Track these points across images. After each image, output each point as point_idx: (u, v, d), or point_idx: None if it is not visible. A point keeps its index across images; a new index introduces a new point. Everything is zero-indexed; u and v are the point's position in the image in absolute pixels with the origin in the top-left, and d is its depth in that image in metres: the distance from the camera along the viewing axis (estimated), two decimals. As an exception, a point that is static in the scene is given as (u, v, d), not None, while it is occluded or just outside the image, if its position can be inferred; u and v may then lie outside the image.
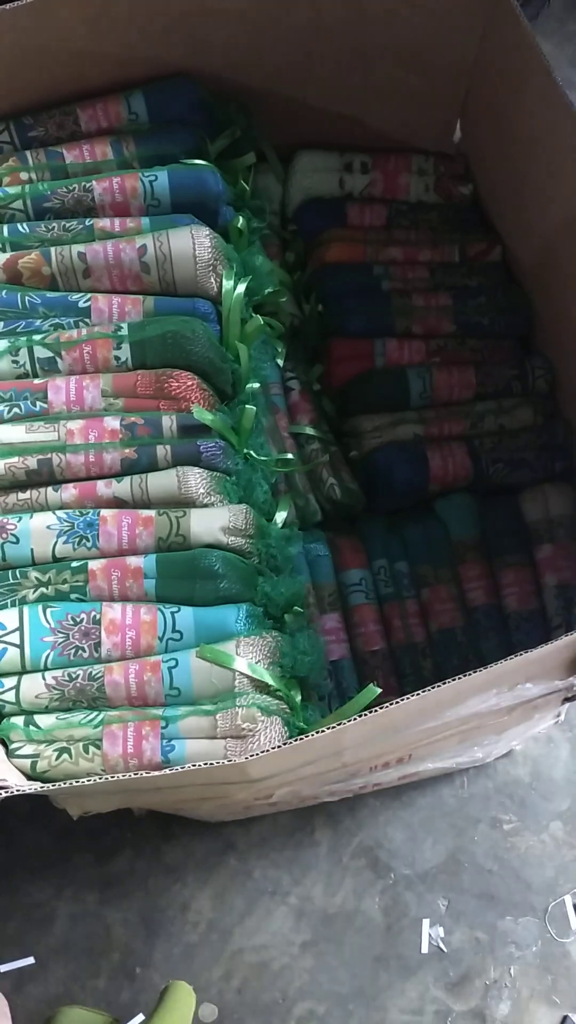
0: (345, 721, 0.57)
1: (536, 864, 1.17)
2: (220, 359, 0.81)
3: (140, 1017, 1.09)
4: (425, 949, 1.14)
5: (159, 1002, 0.91)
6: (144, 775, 0.57)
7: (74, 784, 0.57)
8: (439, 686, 0.59)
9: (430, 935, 1.15)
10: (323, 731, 0.57)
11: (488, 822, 1.19)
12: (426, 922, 1.15)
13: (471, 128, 1.02)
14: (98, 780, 0.56)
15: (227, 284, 0.81)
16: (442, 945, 1.14)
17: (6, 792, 0.55)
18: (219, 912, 1.14)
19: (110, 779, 0.57)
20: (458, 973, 1.13)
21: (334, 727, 0.57)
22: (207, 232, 0.81)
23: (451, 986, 1.13)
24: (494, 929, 1.15)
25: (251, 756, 0.57)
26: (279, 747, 0.57)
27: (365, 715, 0.58)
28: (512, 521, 0.96)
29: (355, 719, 0.57)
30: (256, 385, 0.85)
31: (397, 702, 0.58)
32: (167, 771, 0.57)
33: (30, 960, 1.10)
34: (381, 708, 0.58)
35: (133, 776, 0.57)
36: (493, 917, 1.15)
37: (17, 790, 0.56)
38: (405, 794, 1.19)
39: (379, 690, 0.71)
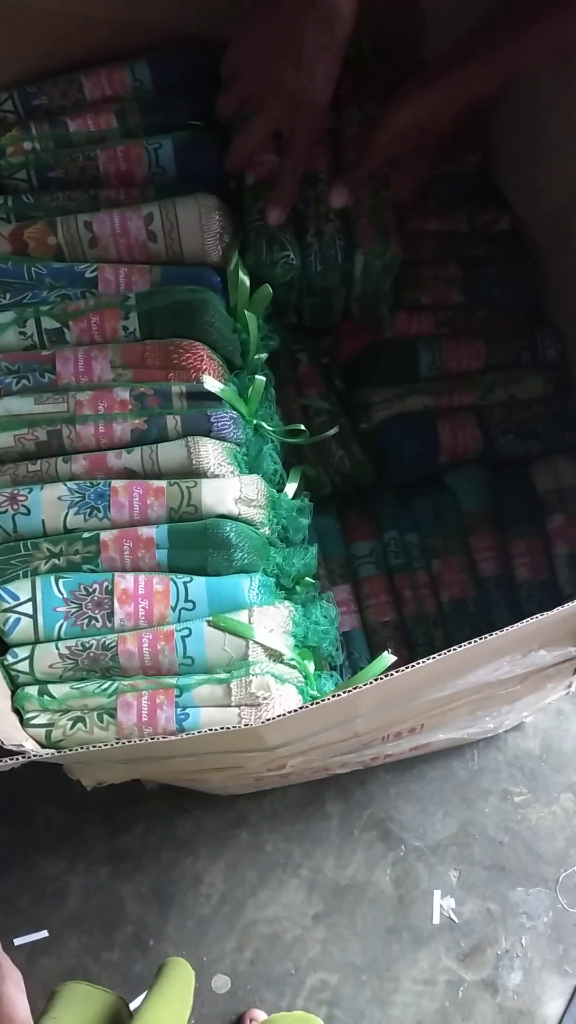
0: (361, 685, 0.57)
1: (547, 835, 1.18)
2: (229, 329, 0.80)
3: (152, 990, 1.10)
4: (436, 920, 1.15)
5: (157, 978, 0.91)
6: (160, 739, 0.57)
7: (91, 749, 0.57)
8: (455, 649, 0.58)
9: (441, 906, 1.15)
10: (339, 694, 0.57)
11: (499, 794, 1.19)
12: (437, 893, 1.16)
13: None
14: (115, 745, 0.56)
15: (235, 253, 0.80)
16: (453, 916, 1.15)
17: (24, 757, 0.56)
18: (231, 885, 1.15)
19: (126, 744, 0.57)
20: (469, 944, 1.14)
21: (351, 691, 0.57)
22: (214, 200, 0.80)
23: (463, 956, 1.14)
24: (505, 900, 1.16)
25: (267, 720, 0.57)
26: (295, 711, 0.57)
27: (381, 678, 0.57)
28: (523, 491, 0.95)
29: (371, 683, 0.57)
30: (264, 356, 0.85)
31: (413, 666, 0.58)
32: (183, 735, 0.57)
33: (44, 933, 1.12)
34: (398, 671, 0.58)
35: (149, 741, 0.57)
36: (504, 888, 1.16)
37: (35, 755, 0.56)
38: (416, 767, 1.20)
39: (394, 658, 0.71)
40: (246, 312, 0.81)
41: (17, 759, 0.55)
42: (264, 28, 0.76)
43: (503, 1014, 1.12)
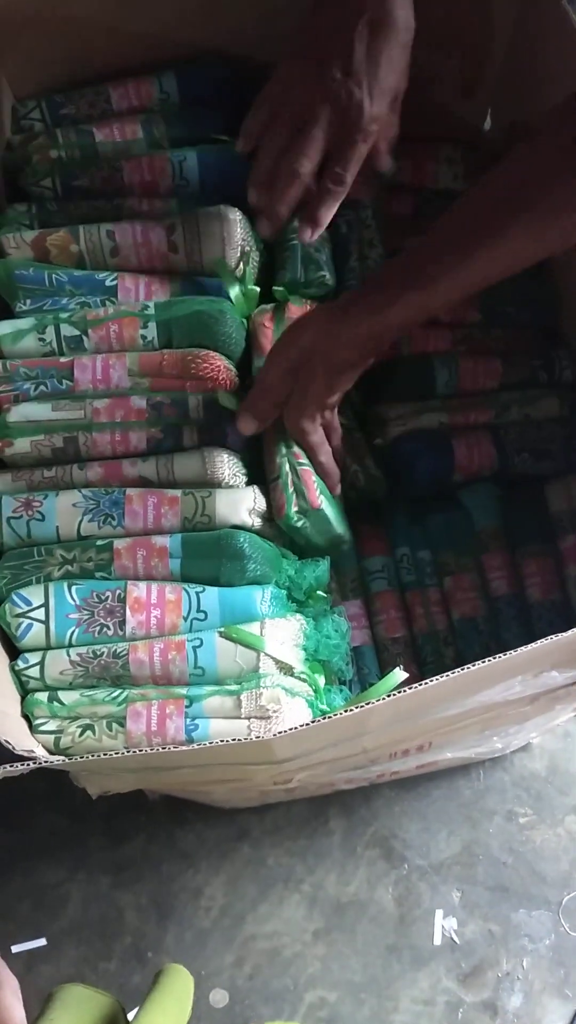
0: (373, 701, 0.57)
1: (551, 858, 1.17)
2: (245, 340, 0.81)
3: (150, 1001, 1.09)
4: (438, 940, 1.14)
5: (154, 985, 0.90)
6: (170, 750, 0.57)
7: (99, 757, 0.57)
8: (468, 668, 0.58)
9: (443, 926, 1.14)
10: (351, 710, 0.57)
11: (504, 815, 1.19)
12: (439, 913, 1.15)
13: (503, 115, 1.01)
14: (124, 754, 0.56)
15: (253, 265, 0.81)
16: (455, 936, 1.14)
17: (34, 763, 0.55)
18: (231, 898, 1.14)
19: (136, 753, 0.56)
20: (470, 965, 1.13)
21: (362, 706, 0.57)
22: (236, 213, 0.81)
23: (463, 977, 1.12)
24: (507, 921, 1.14)
25: (278, 733, 0.57)
26: (306, 725, 0.57)
27: (393, 695, 0.57)
28: (536, 511, 0.95)
29: (383, 699, 0.57)
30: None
31: (426, 683, 0.58)
32: (193, 746, 0.57)
33: (42, 941, 1.11)
34: (410, 689, 0.58)
35: (159, 751, 0.57)
36: (507, 909, 1.15)
37: (44, 761, 0.56)
38: (421, 785, 1.19)
39: (405, 675, 0.71)
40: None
41: (27, 764, 0.55)
42: (314, 34, 0.72)
43: (502, 1038, 1.11)
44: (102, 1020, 0.78)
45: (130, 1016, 1.07)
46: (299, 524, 0.77)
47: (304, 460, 0.79)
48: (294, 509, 0.77)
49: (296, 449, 0.79)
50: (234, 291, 0.80)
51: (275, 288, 0.83)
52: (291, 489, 0.77)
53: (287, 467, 0.78)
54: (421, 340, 0.98)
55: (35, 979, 1.09)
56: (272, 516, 0.79)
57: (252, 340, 0.83)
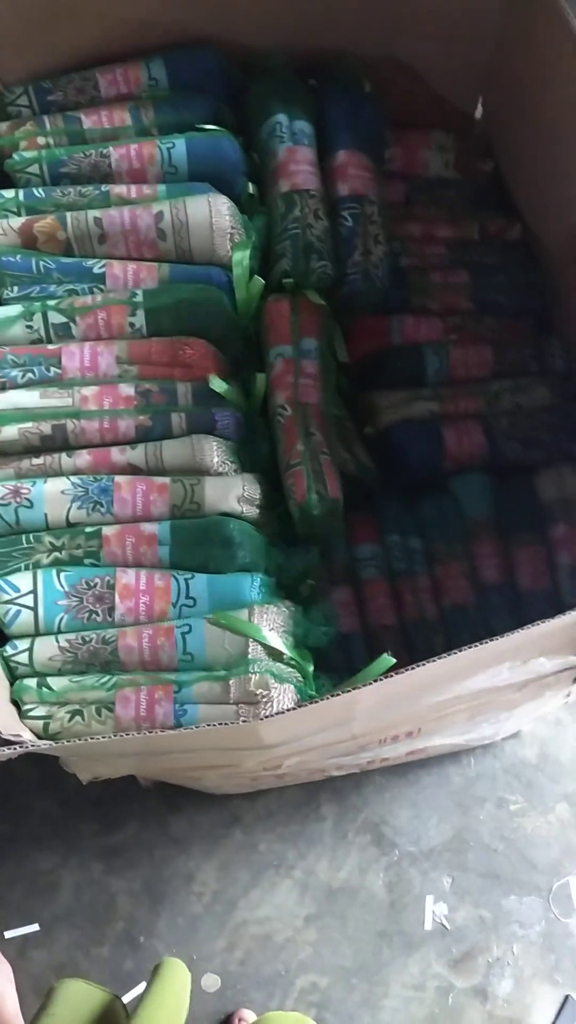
0: (361, 685, 0.57)
1: (542, 844, 1.18)
2: (234, 327, 0.81)
3: (142, 986, 1.10)
4: (428, 926, 1.14)
5: (152, 978, 0.91)
6: (158, 733, 0.57)
7: (88, 741, 0.57)
8: (456, 653, 0.59)
9: (433, 912, 1.15)
10: (337, 694, 0.57)
11: (494, 802, 1.19)
12: (430, 899, 1.15)
13: (493, 103, 1.01)
14: (112, 738, 0.57)
15: (240, 253, 0.81)
16: (445, 922, 1.15)
17: (22, 748, 0.56)
18: (223, 884, 1.14)
19: (124, 737, 0.57)
20: (461, 950, 1.14)
21: (349, 690, 0.57)
22: (224, 200, 0.80)
23: (453, 963, 1.13)
24: (498, 908, 1.15)
25: (265, 717, 0.57)
26: (293, 709, 0.57)
27: (381, 680, 0.58)
28: (526, 500, 0.95)
29: (371, 683, 0.57)
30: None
31: (414, 667, 0.58)
32: (181, 730, 0.57)
33: (35, 927, 1.12)
34: (398, 673, 0.58)
35: (147, 735, 0.57)
36: (497, 896, 1.16)
37: (32, 746, 0.56)
38: (411, 772, 1.19)
39: (393, 660, 0.71)
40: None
41: (15, 748, 0.56)
42: None
43: (492, 1022, 1.11)
44: (101, 1015, 0.78)
45: (125, 999, 1.08)
46: (316, 511, 0.78)
47: (327, 449, 0.79)
48: (314, 496, 0.77)
49: (319, 437, 0.79)
50: (240, 286, 0.80)
51: (285, 280, 0.83)
52: (312, 476, 0.78)
53: (308, 454, 0.78)
54: (412, 329, 0.98)
55: (28, 964, 1.10)
56: (288, 502, 0.79)
57: (267, 328, 0.83)
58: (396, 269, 0.95)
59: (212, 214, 0.79)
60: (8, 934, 1.11)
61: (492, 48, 0.94)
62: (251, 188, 0.85)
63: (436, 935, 1.14)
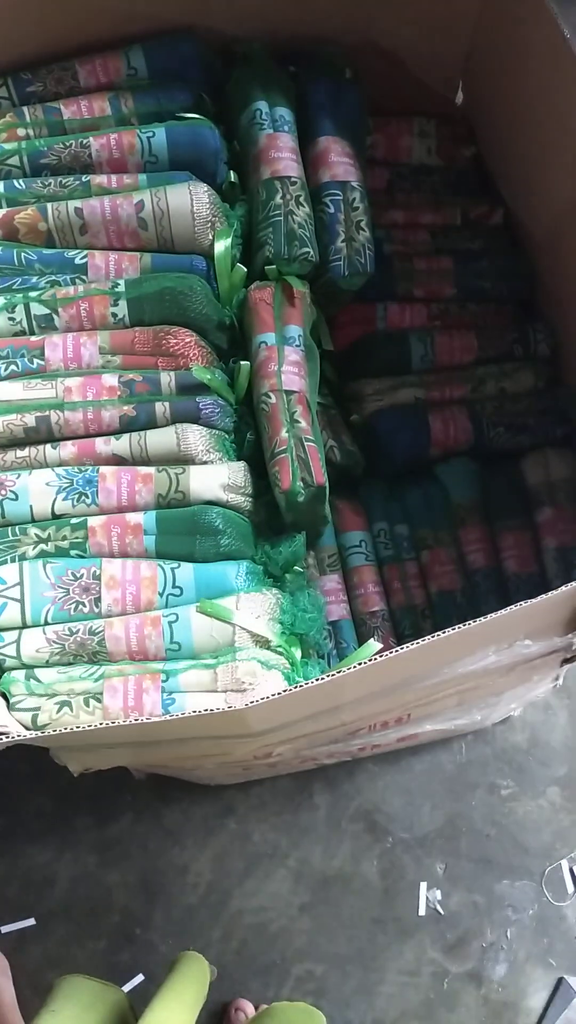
0: (346, 669, 0.58)
1: (533, 829, 1.19)
2: (217, 315, 0.81)
3: (139, 978, 1.10)
4: (422, 912, 1.15)
5: (171, 972, 0.91)
6: (145, 721, 0.57)
7: (75, 730, 0.57)
8: (440, 635, 0.59)
9: (427, 898, 1.16)
10: (323, 678, 0.57)
11: (486, 787, 1.20)
12: (423, 885, 1.16)
13: (474, 88, 1.01)
14: (100, 726, 0.57)
15: (222, 242, 0.81)
16: (439, 908, 1.15)
17: (8, 739, 0.56)
18: (218, 874, 1.15)
19: (112, 726, 0.57)
20: (455, 936, 1.14)
21: (335, 674, 0.57)
22: (205, 189, 0.80)
23: (448, 948, 1.14)
24: (491, 893, 1.16)
25: (251, 703, 0.57)
26: (279, 694, 0.57)
27: (366, 663, 0.58)
28: (512, 485, 0.96)
29: (356, 667, 0.57)
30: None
31: (398, 650, 0.58)
32: (168, 717, 0.57)
33: (31, 921, 1.12)
34: (382, 656, 0.58)
35: (135, 722, 0.57)
36: (490, 881, 1.16)
37: (19, 737, 0.56)
38: (403, 759, 1.20)
39: (379, 645, 0.71)
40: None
41: (2, 739, 0.56)
42: None
43: (487, 1006, 1.12)
44: (106, 1010, 0.78)
45: (125, 988, 1.08)
46: (301, 498, 0.78)
47: (311, 436, 0.79)
48: (299, 483, 0.77)
49: (303, 424, 0.79)
50: (222, 274, 0.80)
51: (267, 267, 0.83)
52: (297, 463, 0.78)
53: (293, 441, 0.78)
54: (397, 316, 0.98)
55: (24, 959, 1.10)
56: (273, 490, 0.79)
57: (250, 316, 0.83)
58: (380, 256, 0.95)
59: (193, 203, 0.78)
60: (4, 929, 1.11)
61: (472, 33, 0.94)
62: (232, 176, 0.84)
63: (430, 921, 1.15)
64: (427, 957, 1.14)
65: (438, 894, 1.16)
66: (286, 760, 0.94)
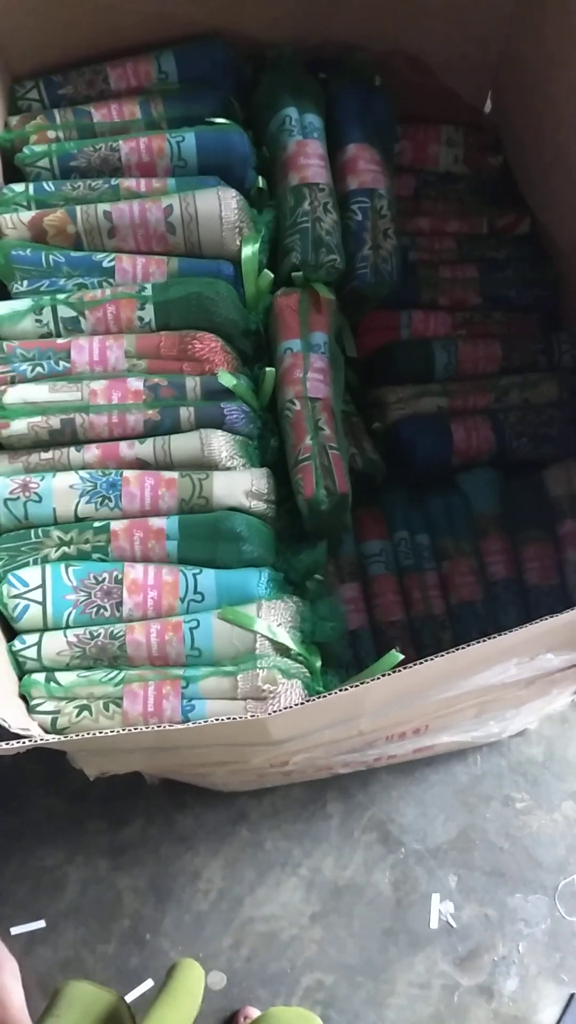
0: (368, 680, 0.57)
1: (547, 843, 1.17)
2: (243, 321, 0.81)
3: (148, 983, 1.10)
4: (434, 924, 1.14)
5: (167, 979, 0.91)
6: (165, 728, 0.57)
7: (96, 735, 0.57)
8: (464, 648, 0.58)
9: (439, 910, 1.15)
10: (346, 689, 0.57)
11: (500, 800, 1.19)
12: (436, 897, 1.15)
13: (503, 96, 1.00)
14: (120, 732, 0.56)
15: (249, 248, 0.81)
16: (451, 920, 1.14)
17: (30, 742, 0.55)
18: (229, 882, 1.14)
19: (133, 731, 0.57)
20: (466, 948, 1.13)
21: (357, 685, 0.57)
22: (233, 194, 0.80)
23: (459, 961, 1.13)
24: (504, 906, 1.15)
25: (273, 712, 0.57)
26: (302, 704, 0.57)
27: (389, 675, 0.57)
28: (535, 496, 0.95)
29: (379, 678, 0.57)
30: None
31: (421, 663, 0.58)
32: (189, 724, 0.57)
33: (41, 923, 1.11)
34: (406, 668, 0.57)
35: (155, 729, 0.57)
36: (503, 894, 1.15)
37: (41, 740, 0.56)
38: (418, 770, 1.19)
39: (401, 656, 0.71)
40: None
41: (23, 743, 0.55)
42: None
43: (498, 1020, 1.11)
44: (107, 1015, 0.78)
45: (130, 998, 1.08)
46: (324, 506, 0.77)
47: (335, 444, 0.79)
48: (322, 491, 0.77)
49: (327, 432, 0.79)
50: (249, 280, 0.80)
51: (294, 274, 0.83)
52: (320, 471, 0.77)
53: (317, 449, 0.78)
54: (421, 324, 0.98)
55: (34, 961, 1.10)
56: (296, 497, 0.79)
57: (276, 322, 0.83)
58: (405, 264, 0.95)
59: (221, 208, 0.78)
60: (14, 930, 1.11)
61: (501, 41, 0.94)
62: (260, 182, 0.84)
63: (442, 933, 1.14)
64: (438, 969, 1.13)
65: (450, 906, 1.15)
66: (301, 769, 0.94)
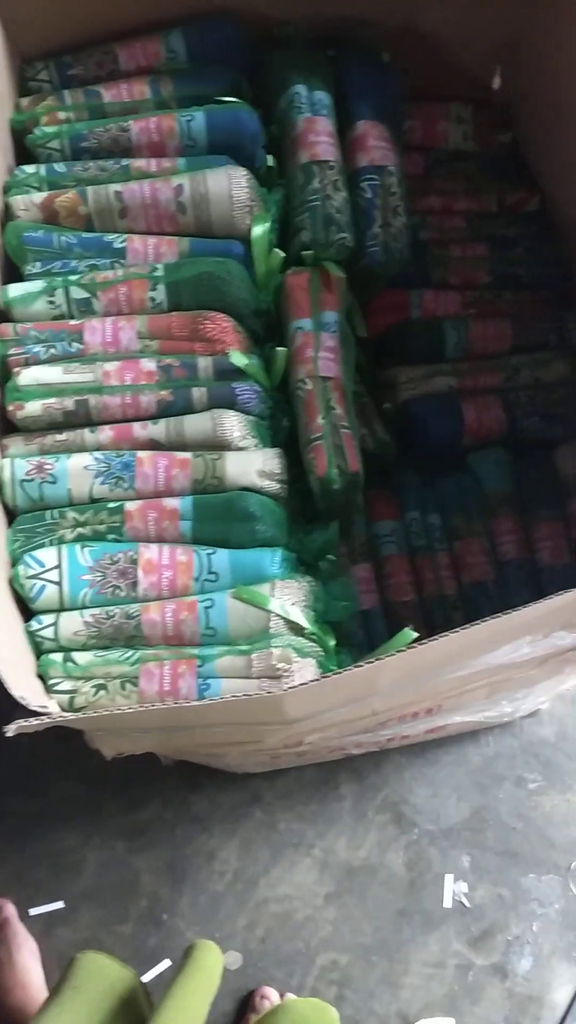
0: (383, 656, 0.57)
1: (560, 823, 1.18)
2: (254, 301, 0.80)
3: (165, 963, 1.11)
4: (448, 904, 1.15)
5: (185, 960, 0.92)
6: (181, 705, 0.57)
7: (113, 713, 0.57)
8: (477, 624, 0.58)
9: (453, 890, 1.15)
10: (361, 666, 0.57)
11: (513, 780, 1.19)
12: (449, 877, 1.16)
13: (512, 73, 1.00)
14: (137, 709, 0.57)
15: (259, 227, 0.80)
16: (465, 900, 1.15)
17: (49, 719, 0.56)
18: (244, 862, 1.15)
19: (149, 708, 0.57)
20: (480, 928, 1.14)
21: (372, 662, 0.57)
22: (244, 173, 0.80)
23: (473, 941, 1.14)
24: (517, 886, 1.15)
25: (288, 688, 0.57)
26: (316, 680, 0.57)
27: (403, 651, 0.57)
28: (546, 475, 0.95)
29: (393, 654, 0.57)
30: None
31: (437, 639, 0.58)
32: (204, 701, 0.57)
33: (60, 904, 1.12)
34: (420, 644, 0.58)
35: (171, 706, 0.57)
36: (516, 874, 1.16)
37: (59, 717, 0.57)
38: (430, 751, 1.19)
39: (415, 634, 0.71)
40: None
41: (42, 720, 0.56)
42: None
43: (512, 999, 1.11)
44: (126, 992, 0.79)
45: (145, 980, 1.09)
46: (336, 486, 0.77)
47: (347, 423, 0.79)
48: (334, 470, 0.77)
49: (339, 411, 0.79)
50: (259, 259, 0.80)
51: (304, 253, 0.82)
52: (332, 450, 0.78)
53: (329, 428, 0.78)
54: (431, 303, 0.97)
55: (53, 941, 1.11)
56: (308, 476, 0.79)
57: (287, 302, 0.83)
58: (415, 242, 0.95)
59: (232, 187, 0.78)
60: (33, 911, 1.12)
61: (510, 17, 0.93)
62: (270, 160, 0.84)
63: (455, 913, 1.15)
64: (452, 949, 1.13)
65: (464, 886, 1.16)
66: (315, 749, 0.94)
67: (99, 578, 0.72)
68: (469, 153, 1.01)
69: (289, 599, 0.73)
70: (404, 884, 1.16)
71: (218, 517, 0.74)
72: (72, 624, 0.71)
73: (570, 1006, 1.12)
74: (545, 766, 1.20)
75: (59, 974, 0.80)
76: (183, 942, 1.11)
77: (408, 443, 0.95)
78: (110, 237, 0.79)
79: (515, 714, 1.11)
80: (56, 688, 0.69)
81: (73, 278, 0.78)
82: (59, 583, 0.71)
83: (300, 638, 0.73)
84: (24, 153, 0.83)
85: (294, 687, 0.58)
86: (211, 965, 0.94)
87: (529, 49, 0.93)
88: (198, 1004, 0.83)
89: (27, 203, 0.79)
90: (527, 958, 1.14)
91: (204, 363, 0.77)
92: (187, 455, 0.75)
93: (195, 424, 0.76)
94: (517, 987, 1.12)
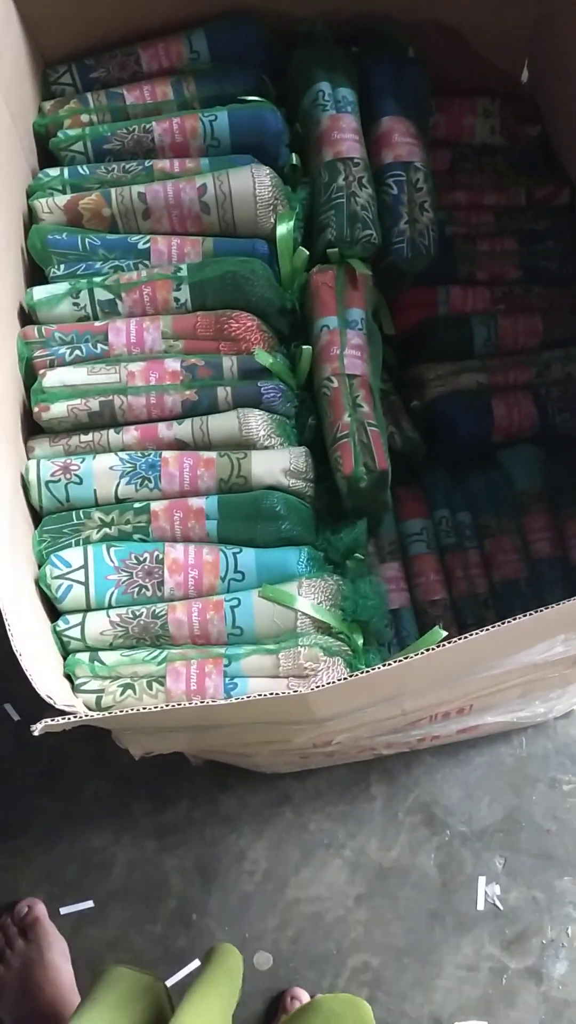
0: (412, 655, 0.56)
1: (596, 825, 1.16)
2: (279, 299, 0.80)
3: (195, 963, 1.11)
4: (481, 906, 1.13)
5: (206, 963, 0.92)
6: (210, 704, 0.57)
7: (140, 712, 0.57)
8: (509, 622, 0.57)
9: (486, 893, 1.14)
10: (390, 664, 0.56)
11: (547, 782, 1.17)
12: (482, 879, 1.14)
13: (540, 65, 0.98)
14: (164, 707, 0.57)
15: (284, 225, 0.80)
16: (498, 903, 1.13)
17: (76, 719, 0.56)
18: (274, 863, 1.15)
19: (176, 707, 0.57)
20: (514, 931, 1.12)
21: (401, 660, 0.56)
22: (267, 171, 0.79)
23: (507, 944, 1.12)
24: (551, 889, 1.14)
25: (316, 687, 0.56)
26: (345, 679, 0.57)
27: (433, 650, 0.57)
28: (578, 472, 0.93)
29: (421, 653, 0.56)
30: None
31: (465, 638, 0.57)
32: (232, 700, 0.57)
33: (89, 904, 1.13)
34: (450, 643, 0.57)
35: (198, 706, 0.57)
36: (551, 877, 1.14)
37: (86, 717, 0.57)
38: (462, 752, 1.18)
39: (444, 632, 0.70)
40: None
41: (69, 719, 0.56)
42: None
43: (547, 1003, 1.10)
44: (146, 999, 0.80)
45: (174, 980, 1.09)
46: (363, 484, 0.77)
47: (374, 421, 0.79)
48: (362, 468, 0.76)
49: (366, 409, 0.78)
50: (284, 257, 0.80)
51: (330, 250, 0.82)
52: (359, 448, 0.77)
53: (356, 426, 0.78)
54: (459, 300, 0.96)
55: (83, 941, 1.11)
56: (335, 475, 0.78)
57: (312, 300, 0.83)
58: (442, 238, 0.94)
59: (255, 186, 0.78)
60: (63, 910, 1.13)
61: (537, 8, 0.91)
62: (294, 159, 0.84)
63: (489, 916, 1.13)
64: (485, 952, 1.12)
65: (497, 889, 1.14)
66: (344, 749, 0.93)
67: (125, 578, 0.72)
68: (497, 147, 1.00)
69: (316, 598, 0.73)
70: (436, 886, 1.14)
71: (244, 516, 0.74)
72: (99, 624, 0.71)
73: (607, 1012, 1.10)
74: (579, 768, 1.18)
75: (90, 979, 0.81)
76: (213, 942, 1.11)
77: (437, 441, 0.94)
78: (134, 238, 0.79)
79: (549, 715, 1.09)
80: (83, 688, 0.70)
81: (97, 279, 0.78)
82: (85, 583, 0.71)
83: (328, 637, 0.73)
84: (47, 156, 0.83)
85: (321, 686, 0.57)
86: (232, 967, 0.95)
87: (552, 41, 0.92)
88: (220, 1007, 0.83)
89: (51, 206, 0.79)
90: (562, 962, 1.12)
91: (229, 362, 0.77)
92: (212, 454, 0.75)
93: (220, 423, 0.76)
94: (552, 991, 1.11)
